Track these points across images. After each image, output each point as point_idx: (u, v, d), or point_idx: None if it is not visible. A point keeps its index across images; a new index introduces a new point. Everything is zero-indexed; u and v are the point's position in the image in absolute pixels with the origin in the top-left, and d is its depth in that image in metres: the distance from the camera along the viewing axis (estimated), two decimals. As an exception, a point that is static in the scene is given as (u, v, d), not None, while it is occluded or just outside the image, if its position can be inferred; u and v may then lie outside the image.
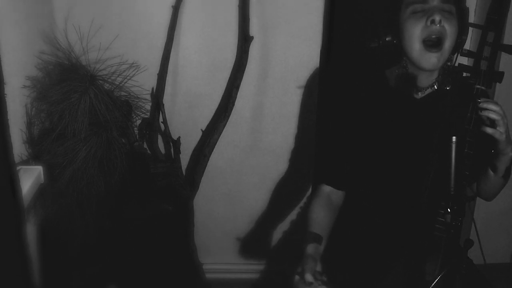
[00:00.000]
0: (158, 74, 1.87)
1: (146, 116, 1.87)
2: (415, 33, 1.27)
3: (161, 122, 1.84)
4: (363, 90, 1.45)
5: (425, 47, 1.27)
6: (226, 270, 2.15)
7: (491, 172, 1.28)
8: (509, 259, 2.18)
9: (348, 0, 1.78)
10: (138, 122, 1.87)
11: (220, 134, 1.87)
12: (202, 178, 1.91)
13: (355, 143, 1.43)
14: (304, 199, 2.05)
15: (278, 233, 2.13)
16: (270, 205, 2.09)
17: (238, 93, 1.84)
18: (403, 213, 1.36)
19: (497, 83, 1.27)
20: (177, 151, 1.82)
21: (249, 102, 1.94)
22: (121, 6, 1.80)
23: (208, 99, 1.93)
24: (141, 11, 1.82)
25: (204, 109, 1.94)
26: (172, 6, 1.79)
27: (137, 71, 1.77)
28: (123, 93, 1.73)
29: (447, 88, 1.34)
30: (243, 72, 1.83)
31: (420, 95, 1.37)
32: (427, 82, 1.36)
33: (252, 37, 1.81)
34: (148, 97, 1.87)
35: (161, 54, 1.84)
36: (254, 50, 1.85)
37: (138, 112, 1.79)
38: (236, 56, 1.88)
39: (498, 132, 1.17)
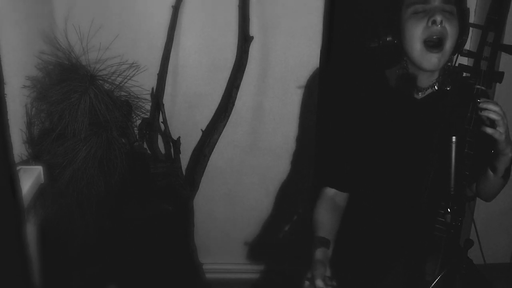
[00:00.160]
0: (158, 74, 1.87)
1: (146, 116, 1.87)
2: (416, 34, 1.27)
3: (161, 122, 1.84)
4: (363, 90, 1.44)
5: (426, 47, 1.27)
6: (226, 270, 2.15)
7: (490, 173, 1.28)
8: (509, 259, 2.18)
9: (348, 0, 1.78)
10: (138, 122, 1.87)
11: (220, 134, 1.87)
12: (202, 178, 1.91)
13: (355, 143, 1.43)
14: (304, 199, 2.05)
15: (278, 233, 2.13)
16: (270, 205, 2.09)
17: (238, 93, 1.85)
18: (403, 213, 1.36)
19: (497, 83, 1.27)
20: (177, 151, 1.82)
21: (249, 102, 1.94)
22: (121, 6, 1.80)
23: (208, 99, 1.93)
24: (141, 11, 1.82)
25: (204, 109, 1.95)
26: (172, 6, 1.79)
27: (137, 71, 1.77)
28: (123, 93, 1.73)
29: (448, 89, 1.34)
30: (243, 72, 1.83)
31: (420, 95, 1.37)
32: (427, 82, 1.36)
33: (252, 37, 1.81)
34: (148, 97, 1.87)
35: (161, 54, 1.84)
36: (254, 50, 1.85)
37: (138, 112, 1.79)
38: (236, 56, 1.88)
39: (497, 132, 1.17)
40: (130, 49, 1.80)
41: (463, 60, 1.31)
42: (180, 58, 1.88)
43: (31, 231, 1.60)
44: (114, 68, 1.73)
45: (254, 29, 1.83)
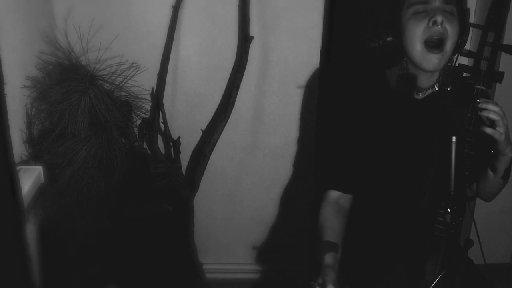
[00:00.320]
0: (158, 74, 1.87)
1: (146, 116, 1.87)
2: (416, 34, 1.27)
3: (161, 122, 1.84)
4: (364, 91, 1.44)
5: (426, 48, 1.27)
6: (226, 270, 2.15)
7: (490, 173, 1.28)
8: (509, 259, 2.18)
9: (348, 0, 1.78)
10: (138, 122, 1.87)
11: (220, 134, 1.87)
12: (202, 178, 1.91)
13: (356, 143, 1.43)
14: (305, 199, 2.05)
15: (278, 233, 2.13)
16: (270, 205, 2.09)
17: (238, 93, 1.84)
18: (403, 213, 1.36)
19: (497, 83, 1.27)
20: (177, 151, 1.82)
21: (249, 102, 1.94)
22: (121, 6, 1.80)
23: (208, 99, 1.93)
24: (141, 11, 1.82)
25: (204, 109, 1.94)
26: (172, 6, 1.79)
27: (137, 71, 1.77)
28: (123, 93, 1.73)
29: (448, 89, 1.34)
30: (243, 72, 1.83)
31: (420, 95, 1.37)
32: (427, 82, 1.36)
33: (252, 37, 1.81)
34: (148, 97, 1.87)
35: (161, 54, 1.84)
36: (254, 50, 1.85)
37: (138, 112, 1.79)
38: (236, 56, 1.88)
39: (497, 133, 1.17)
40: (130, 49, 1.80)
41: (463, 60, 1.31)
42: (180, 58, 1.88)
43: (31, 231, 1.60)
44: (114, 68, 1.73)
45: (254, 29, 1.83)
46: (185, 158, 1.96)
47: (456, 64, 1.29)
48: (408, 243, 1.31)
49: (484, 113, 1.16)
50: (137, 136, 1.82)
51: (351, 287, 1.35)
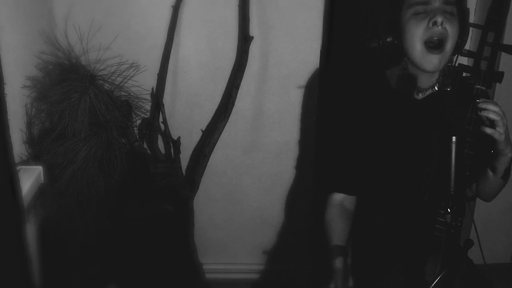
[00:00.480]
0: (158, 74, 1.87)
1: (146, 116, 1.87)
2: (416, 35, 1.27)
3: (161, 122, 1.84)
4: (364, 91, 1.44)
5: (426, 48, 1.27)
6: (226, 270, 2.15)
7: (490, 173, 1.28)
8: (509, 259, 2.18)
9: (348, 0, 1.78)
10: (138, 122, 1.87)
11: (220, 134, 1.87)
12: (202, 178, 1.91)
13: (356, 144, 1.43)
14: (305, 199, 2.05)
15: (278, 233, 2.13)
16: (270, 205, 2.09)
17: (238, 93, 1.84)
18: (404, 213, 1.36)
19: (497, 83, 1.27)
20: (177, 151, 1.82)
21: (249, 102, 1.94)
22: (121, 6, 1.80)
23: (208, 99, 1.93)
24: (141, 11, 1.82)
25: (204, 109, 1.94)
26: (172, 6, 1.79)
27: (137, 71, 1.77)
28: (123, 93, 1.73)
29: (448, 89, 1.34)
30: (243, 72, 1.83)
31: (420, 96, 1.37)
32: (427, 83, 1.36)
33: (252, 37, 1.81)
34: (148, 97, 1.87)
35: (161, 54, 1.84)
36: (254, 50, 1.85)
37: (138, 112, 1.79)
38: (236, 56, 1.88)
39: (497, 133, 1.17)
40: (130, 49, 1.80)
41: (463, 60, 1.30)
42: (180, 58, 1.88)
43: (31, 231, 1.60)
44: (114, 68, 1.73)
45: (254, 29, 1.83)
46: (185, 158, 1.96)
47: (456, 64, 1.29)
48: (409, 243, 1.31)
49: (484, 113, 1.16)
50: (137, 136, 1.82)
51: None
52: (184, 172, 1.94)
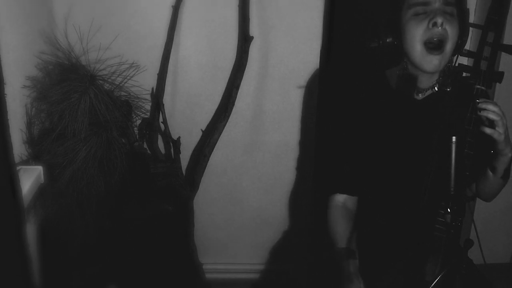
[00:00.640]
0: (158, 74, 1.87)
1: (146, 116, 1.87)
2: (416, 35, 1.27)
3: (161, 122, 1.84)
4: (364, 91, 1.44)
5: (426, 49, 1.27)
6: (226, 270, 2.15)
7: (490, 173, 1.28)
8: (509, 259, 2.18)
9: (348, 0, 1.78)
10: (138, 122, 1.87)
11: (220, 134, 1.87)
12: (202, 178, 1.91)
13: (356, 144, 1.43)
14: (305, 199, 2.05)
15: (278, 233, 2.13)
16: (270, 205, 2.09)
17: (238, 93, 1.84)
18: (404, 213, 1.36)
19: (497, 83, 1.27)
20: (177, 151, 1.82)
21: (249, 102, 1.94)
22: (121, 6, 1.80)
23: (208, 99, 1.93)
24: (141, 11, 1.82)
25: (204, 109, 1.94)
26: (172, 6, 1.79)
27: (137, 71, 1.77)
28: (123, 93, 1.73)
29: (448, 90, 1.34)
30: (243, 72, 1.83)
31: (420, 96, 1.37)
32: (427, 83, 1.36)
33: (252, 37, 1.81)
34: (148, 97, 1.87)
35: (161, 54, 1.84)
36: (254, 50, 1.85)
37: (138, 112, 1.79)
38: (236, 56, 1.88)
39: (497, 133, 1.17)
40: (130, 49, 1.80)
41: (463, 60, 1.30)
42: (180, 58, 1.88)
43: (31, 231, 1.60)
44: (114, 68, 1.73)
45: (254, 29, 1.83)
46: (185, 158, 1.96)
47: (456, 64, 1.29)
48: (409, 243, 1.31)
49: (484, 113, 1.16)
50: (137, 136, 1.82)
51: None
52: (184, 172, 1.94)
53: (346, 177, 1.46)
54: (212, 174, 2.01)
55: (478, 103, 1.16)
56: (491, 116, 1.15)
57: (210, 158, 1.89)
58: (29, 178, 1.39)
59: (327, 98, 1.81)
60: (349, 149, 1.45)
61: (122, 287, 1.87)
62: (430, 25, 1.25)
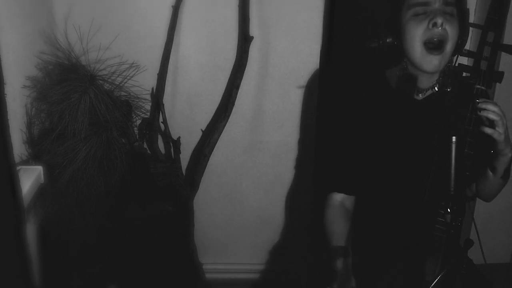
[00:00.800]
0: (158, 74, 1.87)
1: (146, 116, 1.87)
2: (416, 36, 1.27)
3: (161, 122, 1.84)
4: (364, 91, 1.44)
5: (426, 49, 1.27)
6: (226, 270, 2.15)
7: (490, 173, 1.28)
8: (509, 259, 2.18)
9: (348, 0, 1.78)
10: (138, 122, 1.87)
11: (220, 134, 1.87)
12: (202, 178, 1.91)
13: (356, 144, 1.43)
14: (305, 199, 2.05)
15: (278, 233, 2.13)
16: (270, 205, 2.09)
17: (238, 93, 1.84)
18: (404, 213, 1.36)
19: (497, 83, 1.27)
20: (177, 151, 1.82)
21: (249, 102, 1.94)
22: (121, 6, 1.80)
23: (208, 99, 1.93)
24: (141, 11, 1.82)
25: (204, 109, 1.95)
26: (172, 6, 1.79)
27: (137, 71, 1.77)
28: (123, 93, 1.73)
29: (448, 90, 1.34)
30: (243, 72, 1.83)
31: (421, 96, 1.37)
32: (428, 83, 1.36)
33: (252, 37, 1.81)
34: (148, 97, 1.87)
35: (161, 54, 1.84)
36: (254, 50, 1.85)
37: (138, 112, 1.79)
38: (236, 56, 1.88)
39: (496, 133, 1.17)
40: (130, 49, 1.80)
41: (463, 60, 1.30)
42: (180, 58, 1.88)
43: (31, 231, 1.60)
44: (114, 68, 1.73)
45: (254, 29, 1.83)
46: (185, 158, 1.96)
47: (456, 64, 1.29)
48: (409, 243, 1.31)
49: (483, 113, 1.16)
50: (137, 136, 1.82)
51: None
52: (184, 172, 1.94)
53: (344, 176, 1.46)
54: (212, 174, 2.01)
55: (478, 103, 1.16)
56: (491, 116, 1.15)
57: (210, 158, 1.89)
58: (29, 178, 1.39)
59: (327, 98, 1.81)
60: (349, 149, 1.45)
61: (122, 287, 1.87)
62: (430, 25, 1.25)
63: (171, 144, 1.83)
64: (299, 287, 2.08)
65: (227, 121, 1.85)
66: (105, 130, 1.64)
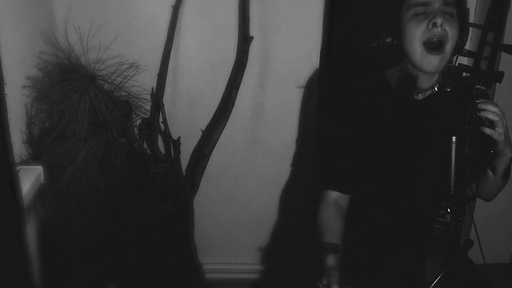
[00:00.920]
0: (158, 74, 1.87)
1: (146, 116, 1.87)
2: (416, 36, 1.27)
3: (161, 122, 1.84)
4: (363, 91, 1.44)
5: (426, 49, 1.27)
6: (226, 270, 2.15)
7: (490, 173, 1.28)
8: (509, 259, 2.18)
9: (348, 0, 1.78)
10: (138, 122, 1.87)
11: (220, 134, 1.87)
12: (202, 178, 1.91)
13: (355, 144, 1.43)
14: (304, 199, 2.05)
15: (278, 233, 2.13)
16: (270, 205, 2.09)
17: (238, 93, 1.84)
18: (404, 213, 1.36)
19: (497, 83, 1.27)
20: (177, 151, 1.82)
21: (249, 102, 1.94)
22: (121, 6, 1.80)
23: (208, 99, 1.93)
24: (141, 11, 1.82)
25: (204, 109, 1.95)
26: (172, 6, 1.79)
27: (137, 71, 1.77)
28: (123, 93, 1.73)
29: (448, 90, 1.34)
30: (243, 72, 1.83)
31: (420, 96, 1.37)
32: (427, 83, 1.36)
33: (252, 37, 1.81)
34: (148, 97, 1.87)
35: (161, 54, 1.84)
36: (254, 50, 1.85)
37: (138, 112, 1.79)
38: (236, 56, 1.88)
39: (496, 133, 1.17)
40: (130, 49, 1.80)
41: (463, 60, 1.30)
42: (180, 58, 1.88)
43: (31, 231, 1.60)
44: (114, 68, 1.73)
45: (254, 29, 1.83)
46: (185, 158, 1.96)
47: (456, 64, 1.29)
48: (408, 242, 1.31)
49: (483, 114, 1.16)
50: (137, 136, 1.82)
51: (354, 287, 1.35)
52: (184, 172, 1.94)
53: (340, 175, 1.46)
54: (212, 174, 2.01)
55: (478, 103, 1.16)
56: (491, 116, 1.15)
57: (210, 158, 1.90)
58: (29, 178, 1.39)
59: (327, 98, 1.81)
60: (348, 149, 1.45)
61: (122, 287, 1.87)
62: (430, 26, 1.25)
63: (171, 144, 1.84)
64: (299, 287, 2.08)
65: (227, 121, 1.85)
66: (105, 130, 1.64)
